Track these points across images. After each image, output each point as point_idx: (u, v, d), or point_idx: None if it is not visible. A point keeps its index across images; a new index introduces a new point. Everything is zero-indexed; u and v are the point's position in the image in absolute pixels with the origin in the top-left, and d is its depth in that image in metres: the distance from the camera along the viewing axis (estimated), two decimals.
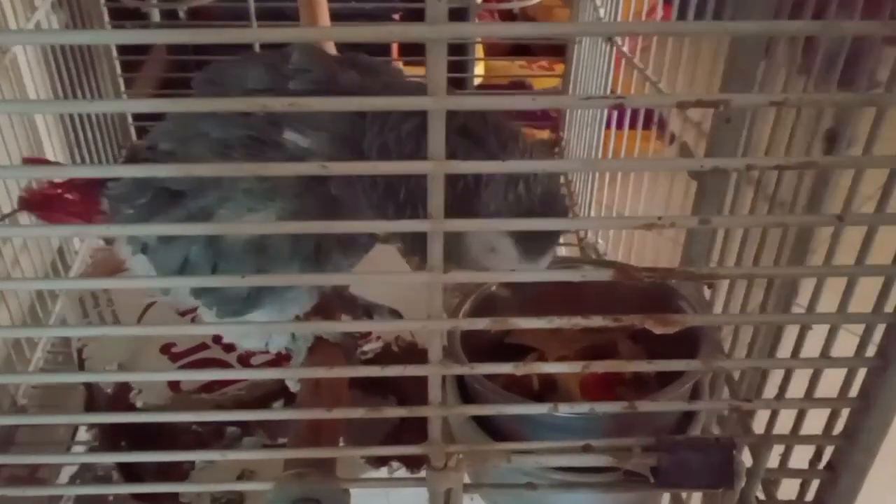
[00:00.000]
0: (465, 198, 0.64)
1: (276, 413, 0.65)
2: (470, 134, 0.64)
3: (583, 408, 0.60)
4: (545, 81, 2.35)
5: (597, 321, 0.55)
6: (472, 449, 0.62)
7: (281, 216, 0.70)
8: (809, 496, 0.72)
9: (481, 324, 0.55)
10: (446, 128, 0.46)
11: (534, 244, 0.66)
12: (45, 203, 0.83)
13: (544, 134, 2.22)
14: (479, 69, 2.18)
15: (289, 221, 0.68)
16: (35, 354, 1.27)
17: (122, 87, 1.63)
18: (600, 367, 0.58)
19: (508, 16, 2.43)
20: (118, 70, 1.60)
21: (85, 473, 1.13)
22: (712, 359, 0.59)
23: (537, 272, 0.65)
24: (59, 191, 0.81)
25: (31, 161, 0.86)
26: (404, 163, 0.52)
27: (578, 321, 0.55)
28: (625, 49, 1.28)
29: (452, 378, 0.74)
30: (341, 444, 0.91)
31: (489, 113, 0.66)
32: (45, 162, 0.84)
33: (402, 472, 0.97)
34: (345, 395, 0.75)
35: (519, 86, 2.31)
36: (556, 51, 2.30)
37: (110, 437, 1.08)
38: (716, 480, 0.62)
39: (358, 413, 0.60)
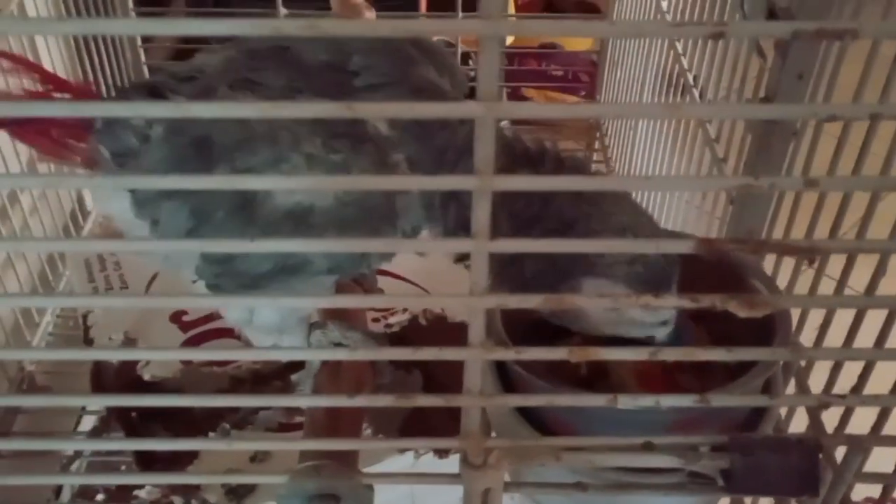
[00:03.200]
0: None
1: (296, 399, 0.57)
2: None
3: (647, 400, 0.51)
4: (577, 43, 2.25)
5: (670, 301, 0.46)
6: (515, 444, 0.54)
7: (343, 200, 0.61)
8: None
9: (533, 301, 0.46)
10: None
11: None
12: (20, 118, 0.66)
13: (576, 99, 2.12)
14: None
15: (341, 177, 0.59)
16: (44, 318, 1.21)
17: (139, 42, 1.54)
18: (672, 354, 0.49)
19: None
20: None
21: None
22: (802, 347, 0.50)
23: (603, 242, 0.56)
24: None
25: (12, 61, 0.69)
26: (446, 178, 0.44)
27: (648, 300, 0.46)
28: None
29: (492, 362, 0.66)
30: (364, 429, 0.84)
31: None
32: (36, 69, 0.69)
33: (429, 458, 0.89)
34: (368, 379, 0.67)
35: (549, 47, 2.20)
36: (590, 9, 2.21)
37: (120, 408, 1.01)
38: (797, 487, 0.53)
39: (384, 401, 0.51)
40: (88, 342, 1.02)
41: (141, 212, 0.66)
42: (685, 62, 1.15)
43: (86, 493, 1.09)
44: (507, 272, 0.61)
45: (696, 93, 1.09)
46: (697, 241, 0.44)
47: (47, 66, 1.27)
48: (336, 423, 0.61)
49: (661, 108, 0.55)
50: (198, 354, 0.87)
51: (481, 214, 0.43)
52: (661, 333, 0.64)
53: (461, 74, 0.72)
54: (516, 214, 0.60)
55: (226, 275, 0.64)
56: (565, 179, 0.42)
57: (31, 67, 0.70)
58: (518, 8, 2.27)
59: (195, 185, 0.40)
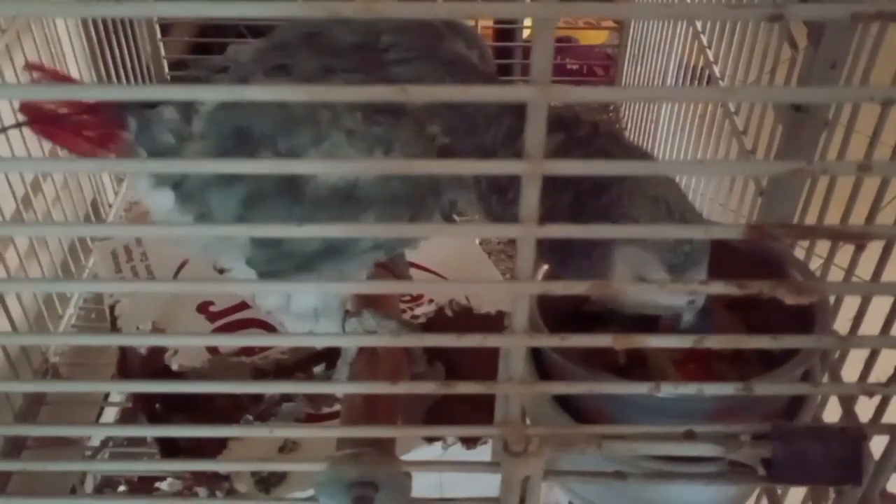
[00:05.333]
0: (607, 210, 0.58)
1: (335, 386, 0.57)
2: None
3: (689, 388, 0.51)
4: (591, 37, 2.24)
5: (716, 287, 0.46)
6: (556, 432, 0.54)
7: (386, 174, 0.61)
8: None
9: (580, 287, 0.46)
10: None
11: (686, 269, 0.59)
12: (53, 118, 0.69)
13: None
14: (527, 20, 2.07)
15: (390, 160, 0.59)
16: (67, 311, 1.22)
17: (159, 35, 1.55)
18: (718, 341, 0.49)
19: None
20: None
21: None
22: (847, 335, 0.50)
23: (654, 227, 0.56)
24: (73, 109, 0.68)
25: (41, 71, 0.71)
26: (494, 162, 0.44)
27: (695, 287, 0.46)
28: None
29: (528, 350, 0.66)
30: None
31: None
32: (63, 78, 0.69)
33: (456, 448, 0.89)
34: (404, 367, 0.67)
35: (564, 41, 2.19)
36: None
37: (144, 399, 1.02)
38: (840, 476, 0.53)
39: (427, 388, 0.51)
40: (115, 332, 1.02)
41: (186, 206, 0.66)
42: (710, 54, 1.15)
43: (108, 484, 1.09)
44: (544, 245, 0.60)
45: (721, 85, 1.08)
46: (746, 226, 0.44)
47: (67, 64, 1.28)
48: (373, 411, 0.61)
49: (699, 91, 0.54)
50: (225, 341, 0.87)
51: (530, 199, 0.43)
52: (689, 314, 0.63)
53: (488, 49, 0.73)
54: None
55: (277, 259, 0.64)
56: (618, 164, 0.41)
57: (58, 76, 0.71)
58: None
59: (244, 170, 0.40)
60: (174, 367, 0.96)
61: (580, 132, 0.61)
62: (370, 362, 0.66)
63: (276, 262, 0.64)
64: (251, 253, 0.65)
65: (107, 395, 1.18)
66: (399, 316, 0.80)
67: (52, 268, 1.18)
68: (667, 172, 0.50)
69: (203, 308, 1.02)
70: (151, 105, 0.66)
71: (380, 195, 0.60)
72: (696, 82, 1.21)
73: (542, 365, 0.66)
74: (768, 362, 0.63)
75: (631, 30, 1.55)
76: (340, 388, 0.63)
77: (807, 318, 0.62)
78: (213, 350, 0.97)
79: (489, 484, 0.58)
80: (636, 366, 0.64)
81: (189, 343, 0.83)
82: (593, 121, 0.62)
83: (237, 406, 1.02)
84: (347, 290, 0.59)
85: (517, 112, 0.63)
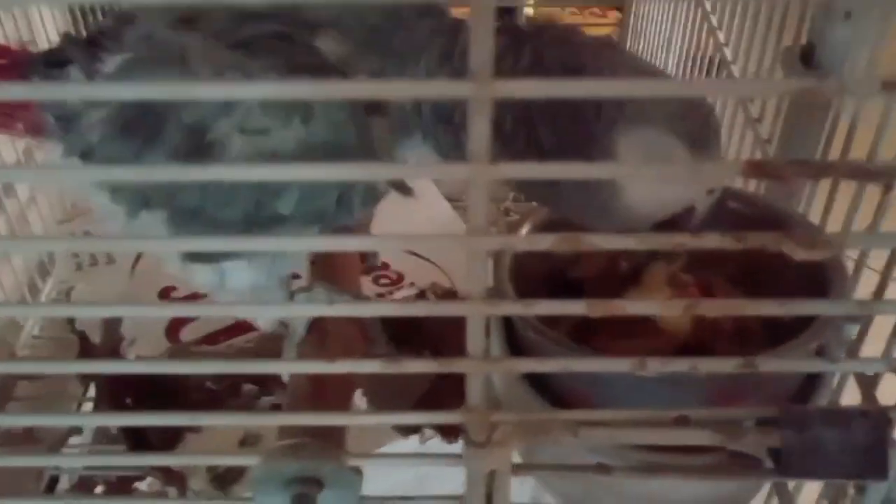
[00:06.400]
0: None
1: (269, 365, 0.49)
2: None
3: (680, 365, 0.43)
4: (596, 31, 2.18)
5: (712, 239, 0.38)
6: (525, 418, 0.46)
7: (307, 143, 0.53)
8: None
9: (544, 242, 0.38)
10: None
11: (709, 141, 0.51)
12: None
13: None
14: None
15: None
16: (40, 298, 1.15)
17: None
18: (710, 308, 0.41)
19: None
20: None
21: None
22: (870, 300, 0.42)
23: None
24: None
25: None
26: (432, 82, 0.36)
27: (684, 241, 0.38)
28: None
29: (499, 326, 0.58)
30: (361, 407, 0.76)
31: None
32: None
33: (436, 442, 0.81)
34: (359, 349, 0.59)
35: None
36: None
37: (111, 394, 0.95)
38: (861, 469, 0.45)
39: (370, 367, 0.43)
40: (71, 322, 0.96)
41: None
42: (721, 36, 1.07)
43: (85, 484, 1.03)
44: (519, 152, 0.52)
45: (734, 70, 1.00)
46: (745, 163, 0.36)
47: (45, 38, 1.21)
48: (321, 396, 0.54)
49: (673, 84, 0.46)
50: (182, 311, 0.78)
51: (480, 130, 0.35)
52: (705, 204, 0.55)
53: None
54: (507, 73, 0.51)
55: (194, 227, 0.56)
56: (591, 82, 0.33)
57: None
58: None
59: (205, 177, 0.32)
60: (131, 356, 0.88)
61: (525, 34, 0.53)
62: (319, 344, 0.58)
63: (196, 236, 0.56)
64: (170, 228, 0.57)
65: (79, 405, 1.12)
66: (358, 292, 0.72)
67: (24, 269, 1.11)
68: (649, 92, 0.41)
69: (165, 293, 0.95)
70: (60, 65, 0.59)
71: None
72: (699, 72, 1.13)
73: (518, 342, 0.58)
74: (776, 342, 0.55)
75: (631, 20, 1.48)
76: (274, 367, 0.55)
77: (822, 293, 0.54)
78: (174, 338, 0.90)
79: None
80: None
81: (135, 314, 0.76)
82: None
83: (214, 401, 0.95)
84: (268, 247, 0.50)
85: (451, 30, 0.55)
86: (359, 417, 0.51)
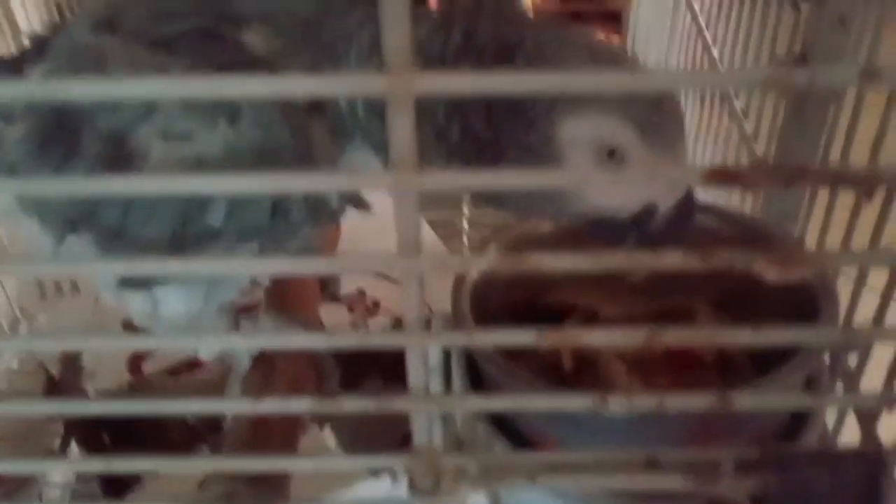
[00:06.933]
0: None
1: (192, 404, 0.44)
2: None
3: (646, 401, 0.38)
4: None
5: (674, 258, 0.33)
6: (478, 460, 0.41)
7: (235, 146, 0.48)
8: None
9: (485, 262, 0.34)
10: None
11: (665, 130, 0.46)
12: None
13: None
14: None
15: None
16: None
17: None
18: (676, 337, 0.36)
19: None
20: None
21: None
22: (857, 329, 0.37)
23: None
24: None
25: None
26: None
27: (646, 262, 0.34)
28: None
29: (460, 359, 0.53)
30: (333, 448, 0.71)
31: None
32: None
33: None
34: (310, 383, 0.54)
35: None
36: (610, 18, 2.16)
37: (86, 430, 0.90)
38: None
39: (301, 406, 0.39)
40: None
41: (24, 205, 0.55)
42: (708, 37, 1.04)
43: None
44: (455, 146, 0.47)
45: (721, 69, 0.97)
46: (706, 170, 0.32)
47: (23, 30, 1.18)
48: (264, 437, 0.49)
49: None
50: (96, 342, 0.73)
51: (402, 133, 0.30)
52: (667, 203, 0.49)
53: None
54: (436, 57, 0.47)
55: (121, 249, 0.51)
56: (538, 76, 0.28)
57: None
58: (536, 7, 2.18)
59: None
60: (90, 389, 0.84)
61: (459, 11, 0.48)
62: (264, 380, 0.53)
63: (121, 254, 0.52)
64: (98, 252, 0.52)
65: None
66: (315, 320, 0.67)
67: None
68: (617, 86, 0.36)
69: (129, 325, 0.91)
70: None
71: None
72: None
73: (482, 377, 0.53)
74: (763, 372, 0.50)
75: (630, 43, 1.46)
76: (196, 406, 0.50)
77: (805, 316, 0.49)
78: (136, 370, 0.85)
79: None
80: (586, 373, 0.51)
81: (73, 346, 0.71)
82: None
83: (194, 437, 0.91)
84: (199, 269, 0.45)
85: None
86: (299, 462, 0.46)
